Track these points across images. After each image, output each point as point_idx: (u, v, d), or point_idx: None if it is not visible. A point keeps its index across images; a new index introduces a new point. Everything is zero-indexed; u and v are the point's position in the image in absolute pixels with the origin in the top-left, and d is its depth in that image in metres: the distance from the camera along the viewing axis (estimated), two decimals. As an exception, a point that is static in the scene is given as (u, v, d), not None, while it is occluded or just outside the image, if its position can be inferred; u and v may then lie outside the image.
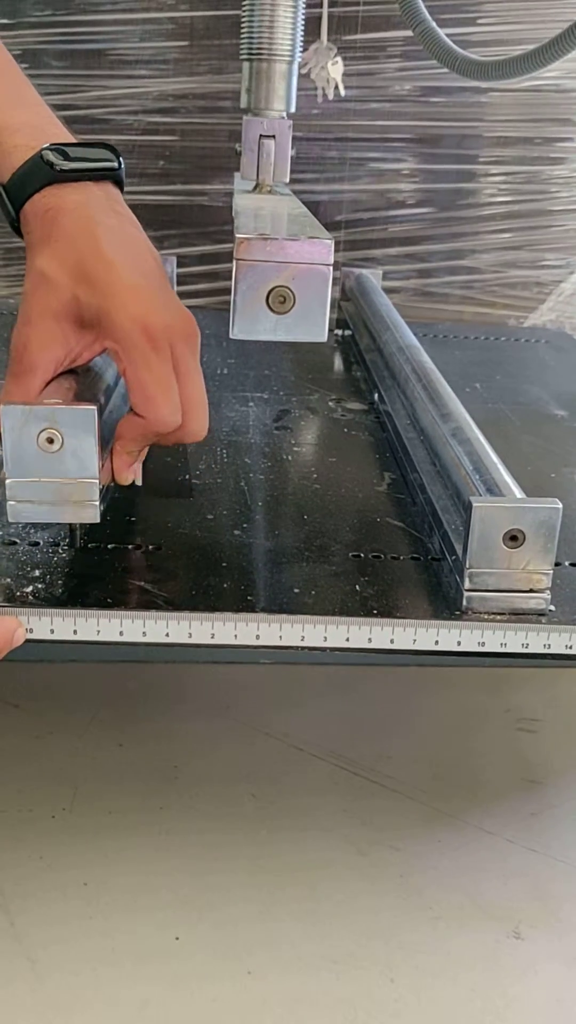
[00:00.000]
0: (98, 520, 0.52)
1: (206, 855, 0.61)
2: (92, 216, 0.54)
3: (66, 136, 0.58)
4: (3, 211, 0.56)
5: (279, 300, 0.50)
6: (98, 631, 0.51)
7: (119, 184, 0.58)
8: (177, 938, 0.56)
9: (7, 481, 0.50)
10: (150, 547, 0.58)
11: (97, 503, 0.51)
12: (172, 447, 0.72)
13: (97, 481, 0.51)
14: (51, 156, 0.54)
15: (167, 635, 0.51)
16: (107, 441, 0.55)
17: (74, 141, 0.57)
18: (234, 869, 0.61)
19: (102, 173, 0.56)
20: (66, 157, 0.55)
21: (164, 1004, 0.52)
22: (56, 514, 0.51)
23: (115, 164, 0.57)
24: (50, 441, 0.49)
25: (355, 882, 0.60)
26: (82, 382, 0.55)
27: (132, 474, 0.56)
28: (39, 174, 0.54)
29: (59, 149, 0.55)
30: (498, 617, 0.52)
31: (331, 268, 0.50)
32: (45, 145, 0.55)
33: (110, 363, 0.59)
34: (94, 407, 0.49)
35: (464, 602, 0.53)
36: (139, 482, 0.57)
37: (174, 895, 0.58)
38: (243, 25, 0.66)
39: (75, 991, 0.52)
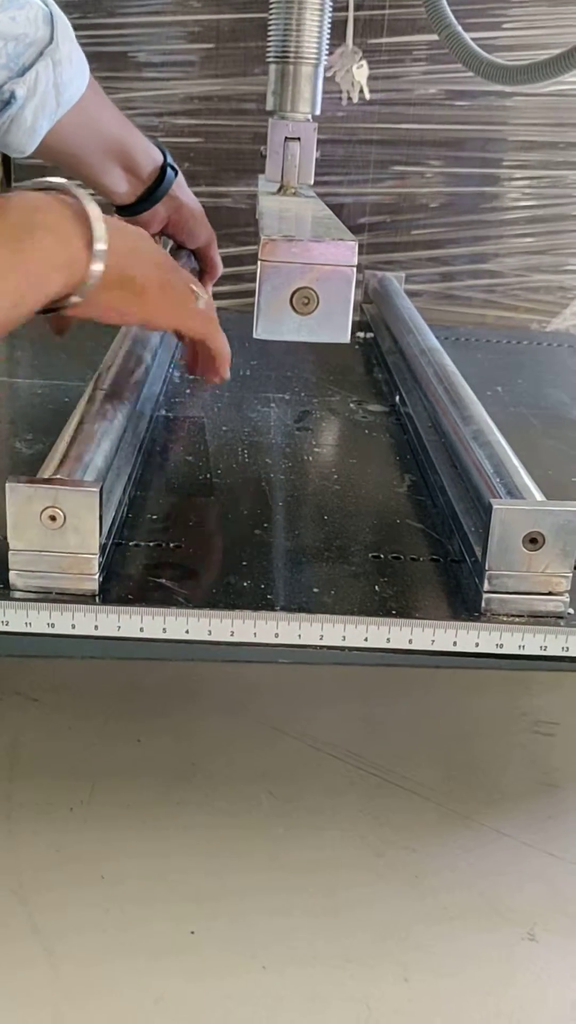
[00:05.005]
0: (97, 592, 0.52)
1: (223, 851, 0.62)
2: None
3: None
4: None
5: (303, 301, 0.51)
6: (118, 627, 0.51)
7: None
8: (192, 932, 0.56)
9: (9, 552, 0.52)
10: (171, 545, 0.58)
11: (96, 576, 0.52)
12: (195, 447, 0.73)
13: (96, 555, 0.52)
14: None
15: (187, 632, 0.51)
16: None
17: None
18: (250, 866, 0.61)
19: None
20: None
21: (178, 998, 0.52)
22: (54, 585, 0.52)
23: None
24: (52, 519, 0.50)
25: (371, 882, 0.60)
26: None
27: None
28: None
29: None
30: (517, 619, 0.52)
31: (355, 270, 0.50)
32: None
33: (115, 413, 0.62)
34: (96, 489, 0.50)
35: (483, 604, 0.53)
36: None
37: (190, 890, 0.59)
38: (270, 28, 0.66)
39: (90, 983, 0.53)
